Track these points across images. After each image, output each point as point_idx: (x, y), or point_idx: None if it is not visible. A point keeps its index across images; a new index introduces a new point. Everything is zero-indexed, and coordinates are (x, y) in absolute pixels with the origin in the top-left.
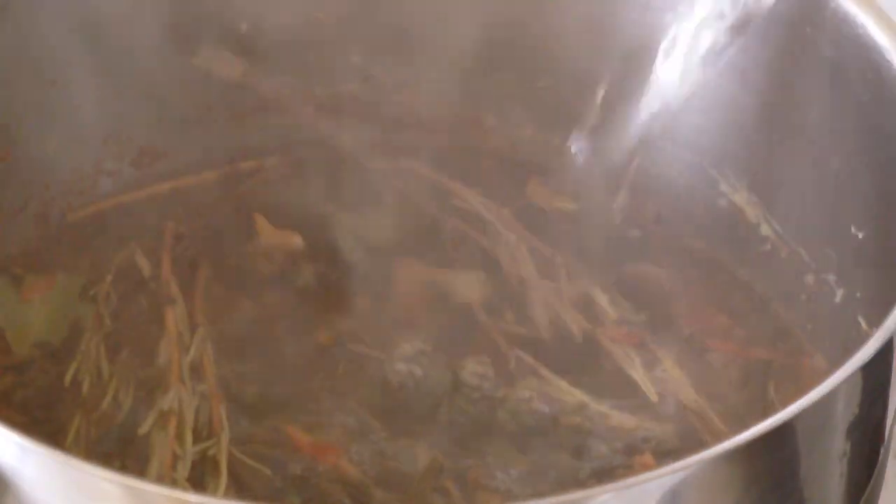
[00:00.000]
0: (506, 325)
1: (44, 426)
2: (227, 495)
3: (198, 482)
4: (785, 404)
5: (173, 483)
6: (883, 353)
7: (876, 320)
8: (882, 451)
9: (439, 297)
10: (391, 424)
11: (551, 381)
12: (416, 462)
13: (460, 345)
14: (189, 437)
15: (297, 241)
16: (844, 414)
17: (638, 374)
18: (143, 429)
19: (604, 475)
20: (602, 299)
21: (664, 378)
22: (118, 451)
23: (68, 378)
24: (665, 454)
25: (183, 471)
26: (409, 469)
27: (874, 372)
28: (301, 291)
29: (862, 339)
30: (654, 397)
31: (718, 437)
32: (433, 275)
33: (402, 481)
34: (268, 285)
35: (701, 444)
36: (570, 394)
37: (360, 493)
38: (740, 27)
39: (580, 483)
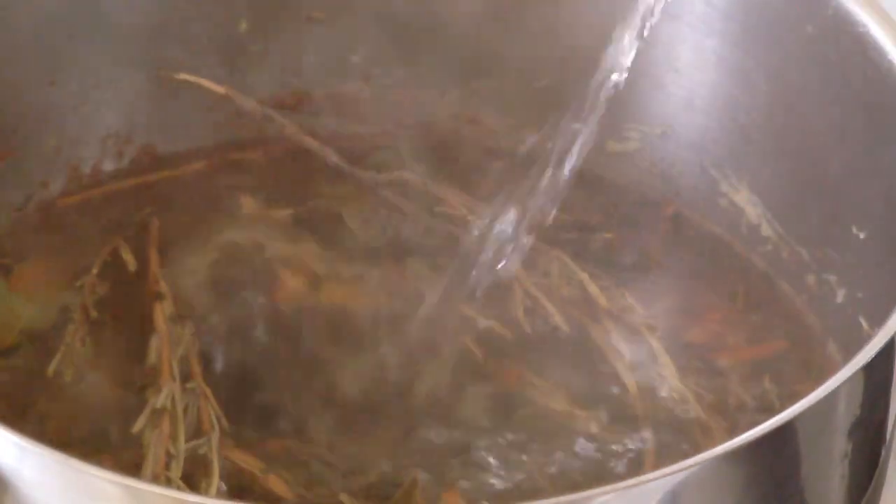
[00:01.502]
0: (488, 323)
1: (23, 414)
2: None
3: (189, 481)
4: (785, 404)
5: (168, 482)
6: (884, 354)
7: (877, 321)
8: (883, 451)
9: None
10: (370, 430)
11: (535, 381)
12: (400, 472)
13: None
14: (182, 436)
15: (283, 214)
16: (846, 414)
17: (628, 373)
18: (137, 427)
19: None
20: (600, 298)
21: (656, 377)
22: (106, 447)
23: (51, 369)
24: (655, 459)
25: (177, 470)
26: (388, 484)
27: (876, 372)
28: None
29: (863, 340)
30: (639, 397)
31: (712, 439)
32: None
33: (382, 497)
34: (252, 280)
35: (695, 447)
36: (556, 395)
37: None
38: None
39: (570, 488)
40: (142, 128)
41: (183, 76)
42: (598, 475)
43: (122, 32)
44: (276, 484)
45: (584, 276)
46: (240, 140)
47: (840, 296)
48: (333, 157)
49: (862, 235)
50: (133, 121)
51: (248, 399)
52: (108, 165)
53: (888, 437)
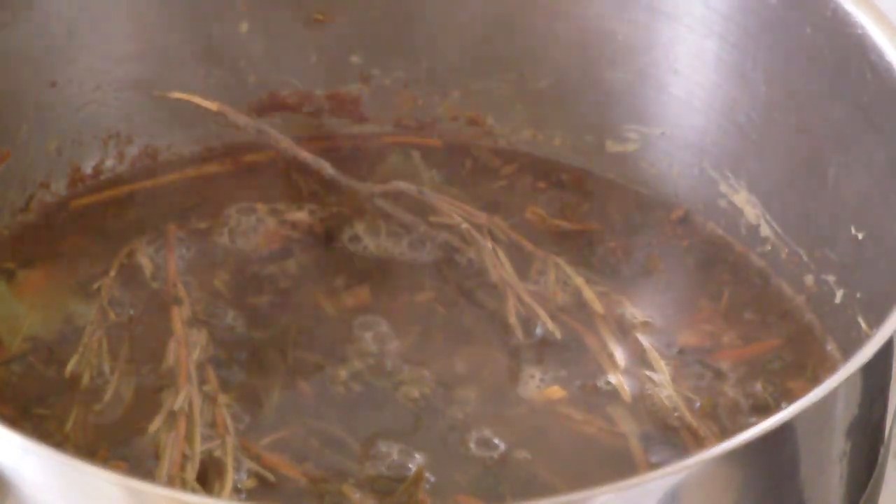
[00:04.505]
0: (487, 328)
1: (34, 420)
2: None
3: (202, 483)
4: (783, 404)
5: (183, 484)
6: (883, 354)
7: (876, 321)
8: (882, 451)
9: (429, 307)
10: (372, 431)
11: (536, 387)
12: (403, 470)
13: (445, 351)
14: (198, 438)
15: (301, 216)
16: (844, 414)
17: (621, 377)
18: (153, 427)
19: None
20: (595, 303)
21: (650, 381)
22: (120, 450)
23: (68, 371)
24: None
25: (192, 472)
26: (394, 476)
27: (874, 372)
28: (296, 292)
29: (862, 340)
30: (629, 400)
31: (701, 444)
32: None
33: (387, 489)
34: (263, 283)
35: (684, 451)
36: (552, 399)
37: (341, 499)
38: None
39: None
40: (143, 128)
41: (176, 95)
42: (593, 477)
43: (122, 32)
44: (287, 466)
45: (580, 281)
46: (243, 141)
47: (839, 296)
48: (329, 170)
49: (861, 236)
50: (134, 121)
51: (259, 401)
52: (110, 167)
53: (886, 436)
